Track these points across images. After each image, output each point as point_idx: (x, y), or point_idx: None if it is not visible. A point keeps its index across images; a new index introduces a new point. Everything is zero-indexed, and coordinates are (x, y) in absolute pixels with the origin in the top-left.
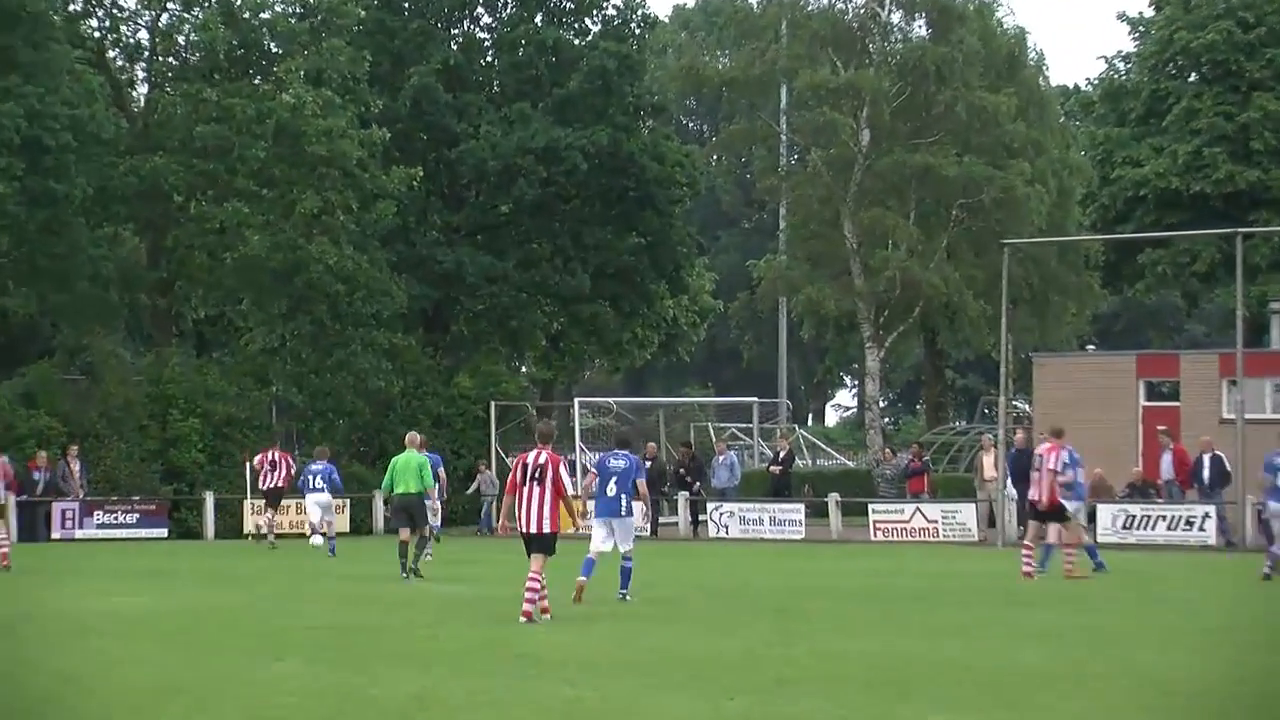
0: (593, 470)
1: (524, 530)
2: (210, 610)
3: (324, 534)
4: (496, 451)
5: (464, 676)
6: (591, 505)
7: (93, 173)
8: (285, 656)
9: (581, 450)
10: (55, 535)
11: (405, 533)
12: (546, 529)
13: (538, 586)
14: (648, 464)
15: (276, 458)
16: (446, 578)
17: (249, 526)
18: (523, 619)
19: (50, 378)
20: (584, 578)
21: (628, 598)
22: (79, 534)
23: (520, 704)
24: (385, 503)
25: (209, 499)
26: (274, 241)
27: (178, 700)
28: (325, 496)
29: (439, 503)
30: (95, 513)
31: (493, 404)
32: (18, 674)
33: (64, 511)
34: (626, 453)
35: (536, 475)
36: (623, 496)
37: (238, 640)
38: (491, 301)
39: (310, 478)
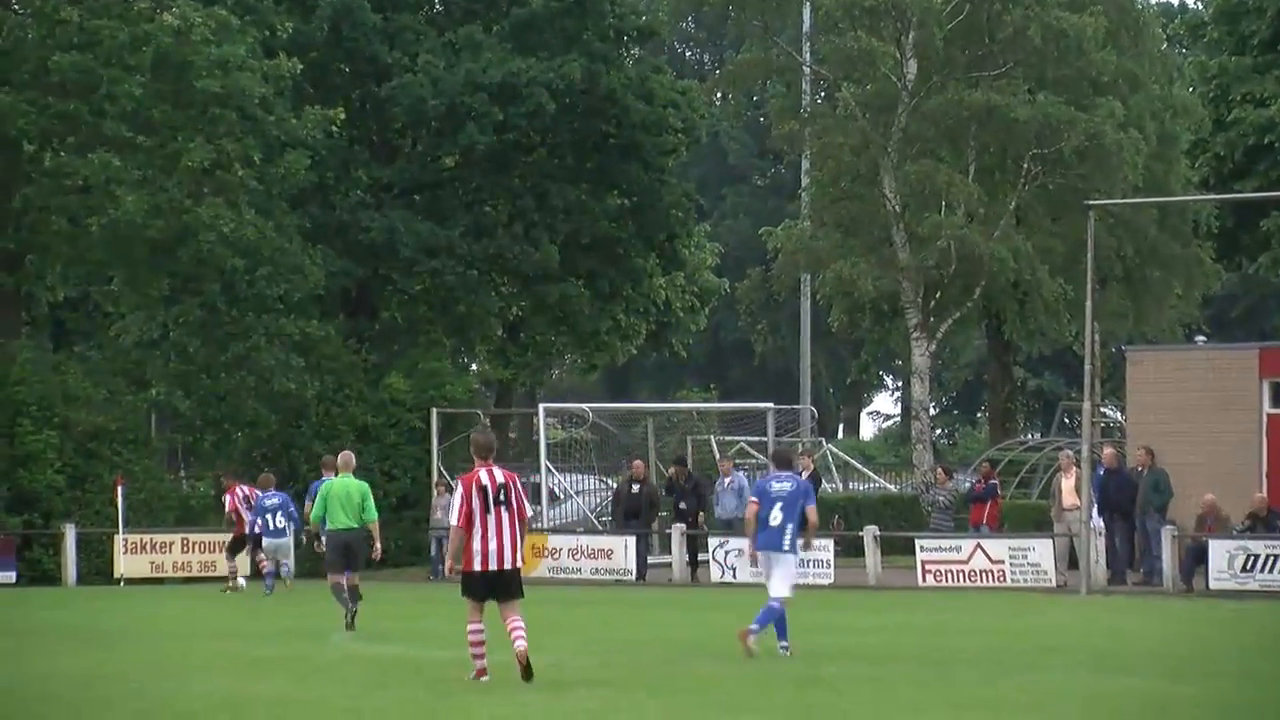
0: (753, 498)
1: (485, 567)
2: (69, 678)
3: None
4: (439, 471)
5: None
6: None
7: None
8: None
9: (549, 470)
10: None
11: (344, 577)
12: (518, 563)
13: (523, 632)
14: (634, 488)
15: (247, 493)
16: (378, 635)
17: (121, 568)
18: (484, 678)
19: None
20: (758, 625)
21: (789, 651)
22: None
23: None
24: (313, 538)
25: (70, 533)
26: (153, 203)
27: None
28: (286, 540)
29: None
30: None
31: (434, 411)
32: None
33: None
34: (791, 473)
35: (500, 498)
36: (788, 527)
37: (100, 717)
38: (432, 280)
39: (268, 516)
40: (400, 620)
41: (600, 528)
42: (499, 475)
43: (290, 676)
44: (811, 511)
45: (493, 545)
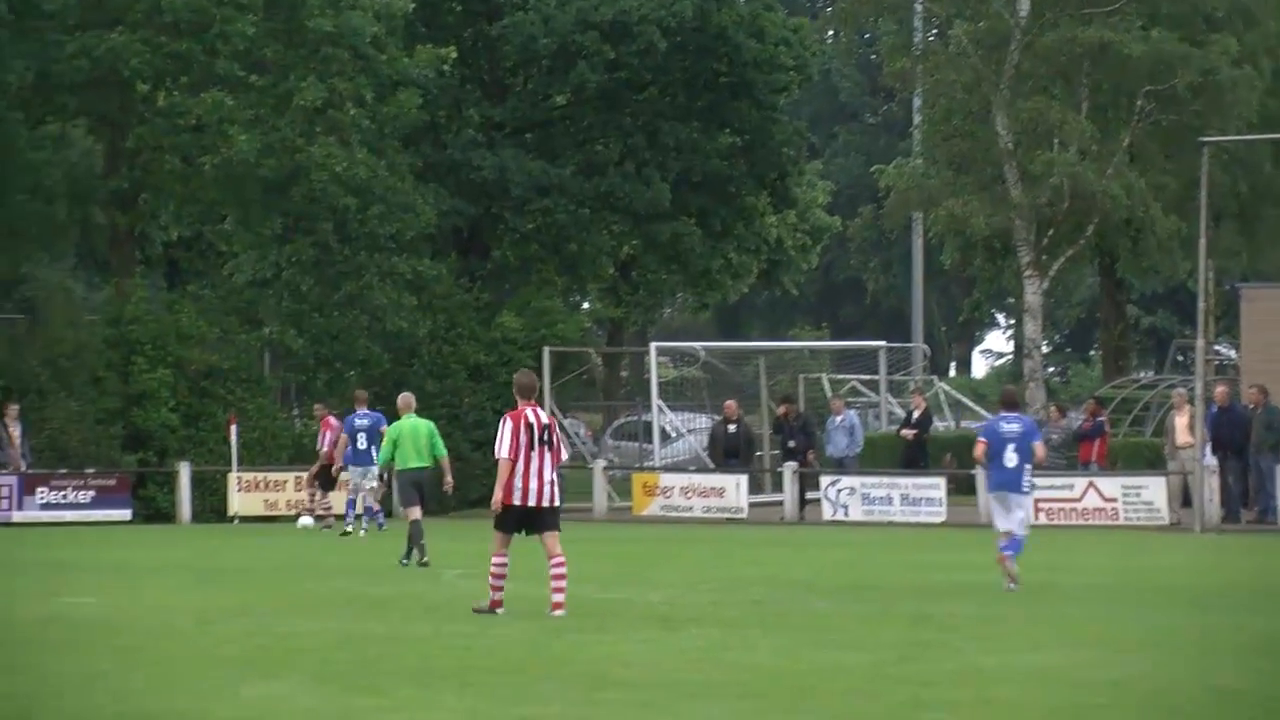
0: (982, 438)
1: (525, 503)
2: (185, 614)
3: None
4: (551, 410)
5: (509, 699)
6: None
7: (32, 54)
8: (280, 673)
9: (660, 409)
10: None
11: (415, 511)
12: (556, 501)
13: (564, 570)
14: (730, 428)
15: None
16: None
17: (235, 506)
18: (499, 610)
19: None
20: (1011, 552)
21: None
22: (17, 516)
23: None
24: (380, 478)
25: (184, 472)
26: (265, 142)
27: None
28: (372, 469)
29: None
30: (39, 490)
31: (546, 350)
32: None
33: None
34: (1018, 414)
35: (544, 438)
36: (1025, 468)
37: (220, 653)
38: (544, 219)
39: (358, 437)
40: (512, 558)
41: (711, 466)
42: (543, 416)
43: (405, 613)
44: (1039, 448)
45: (534, 484)
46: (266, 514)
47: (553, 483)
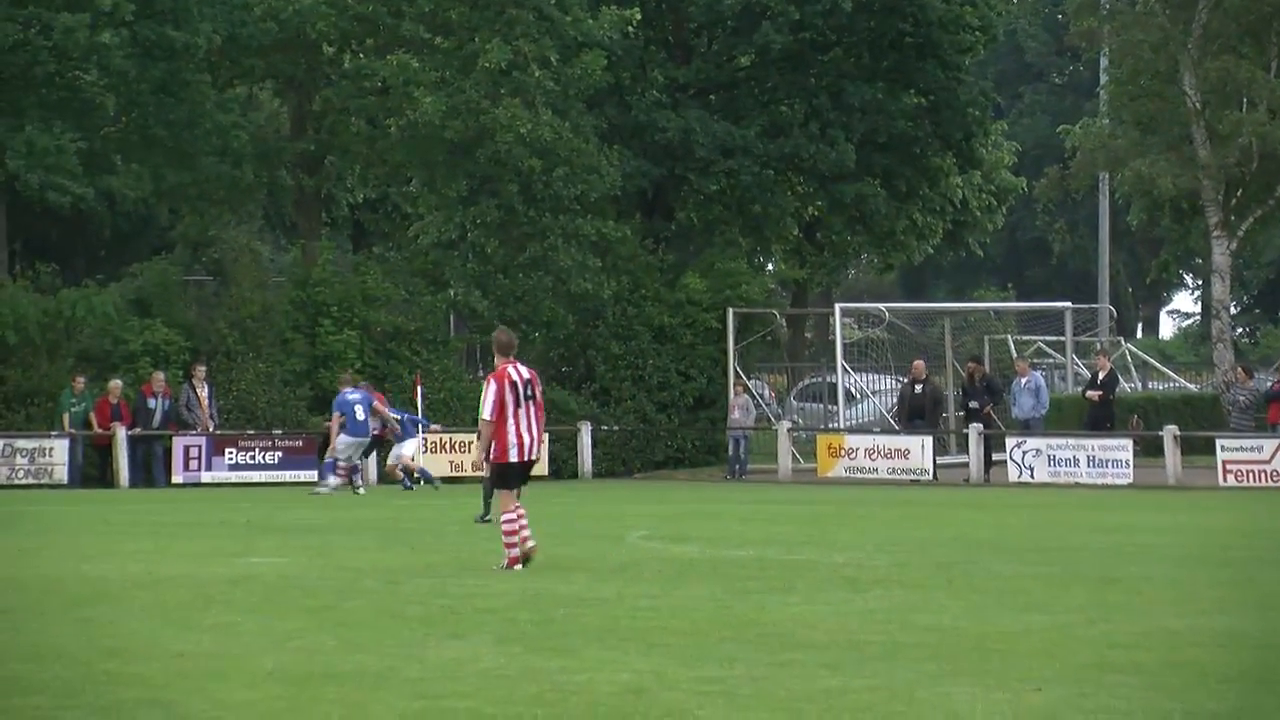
0: None
1: (523, 457)
2: (370, 574)
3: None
4: (736, 371)
5: (694, 661)
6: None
7: (220, 17)
8: (466, 634)
9: (845, 370)
10: (177, 478)
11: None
12: (540, 454)
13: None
14: (917, 388)
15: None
16: (674, 534)
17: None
18: (517, 566)
19: (169, 279)
20: None
21: None
22: (206, 477)
23: (765, 695)
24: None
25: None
26: (450, 104)
27: (330, 688)
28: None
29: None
30: (227, 450)
31: (731, 311)
32: (131, 649)
33: (188, 449)
34: None
35: (529, 393)
36: None
37: (406, 613)
38: (728, 180)
39: (356, 409)
40: (697, 520)
41: (896, 427)
42: (524, 372)
43: (589, 575)
44: None
45: (527, 438)
46: (452, 474)
47: (541, 434)
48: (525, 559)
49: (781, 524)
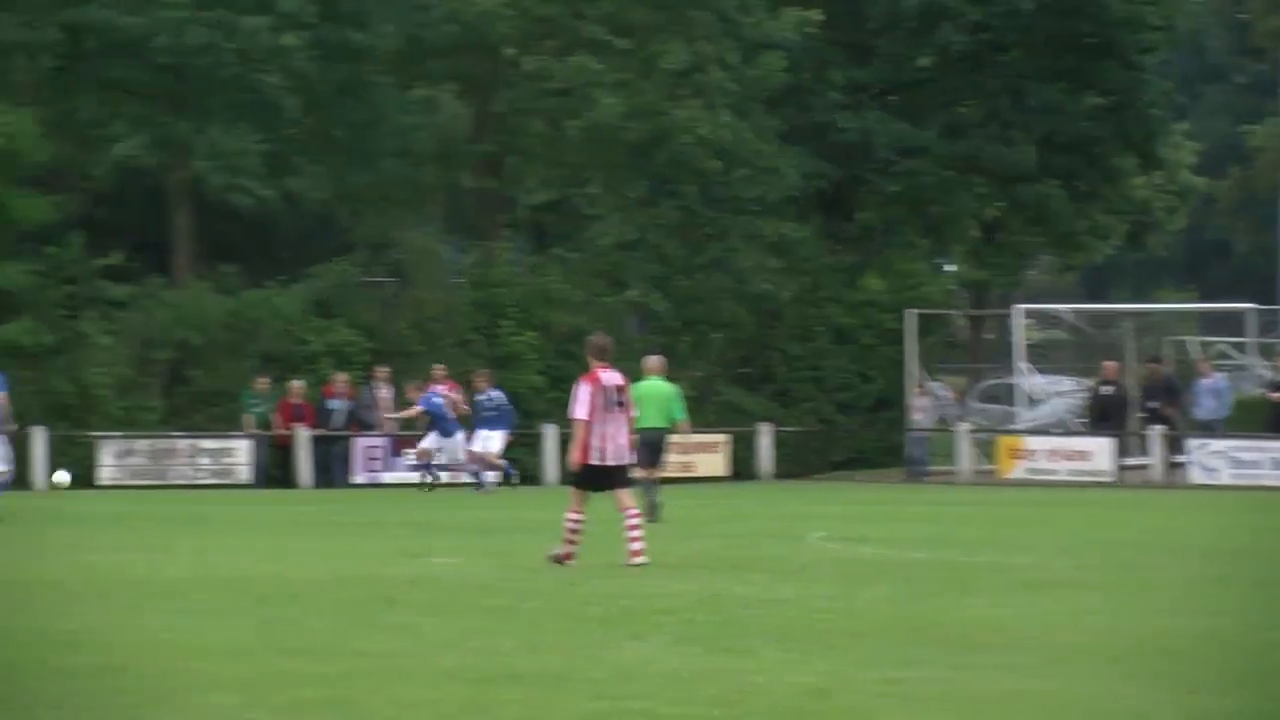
0: None
1: (604, 461)
2: (549, 575)
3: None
4: (915, 373)
5: (874, 662)
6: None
7: (402, 19)
8: (645, 634)
9: (1029, 369)
10: (358, 479)
11: (649, 471)
12: (629, 459)
13: (638, 520)
14: (1106, 390)
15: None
16: (854, 535)
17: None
18: (570, 562)
19: (350, 281)
20: None
21: None
22: (387, 477)
23: (946, 698)
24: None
25: (549, 434)
26: (631, 106)
27: (509, 688)
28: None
29: None
30: (406, 451)
31: (910, 312)
32: (312, 648)
33: (368, 449)
34: None
35: (618, 399)
36: None
37: (585, 613)
38: (908, 181)
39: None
40: (876, 521)
41: (1078, 429)
42: (616, 378)
43: (769, 576)
44: None
45: (610, 444)
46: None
47: (625, 442)
48: (563, 558)
49: (961, 526)
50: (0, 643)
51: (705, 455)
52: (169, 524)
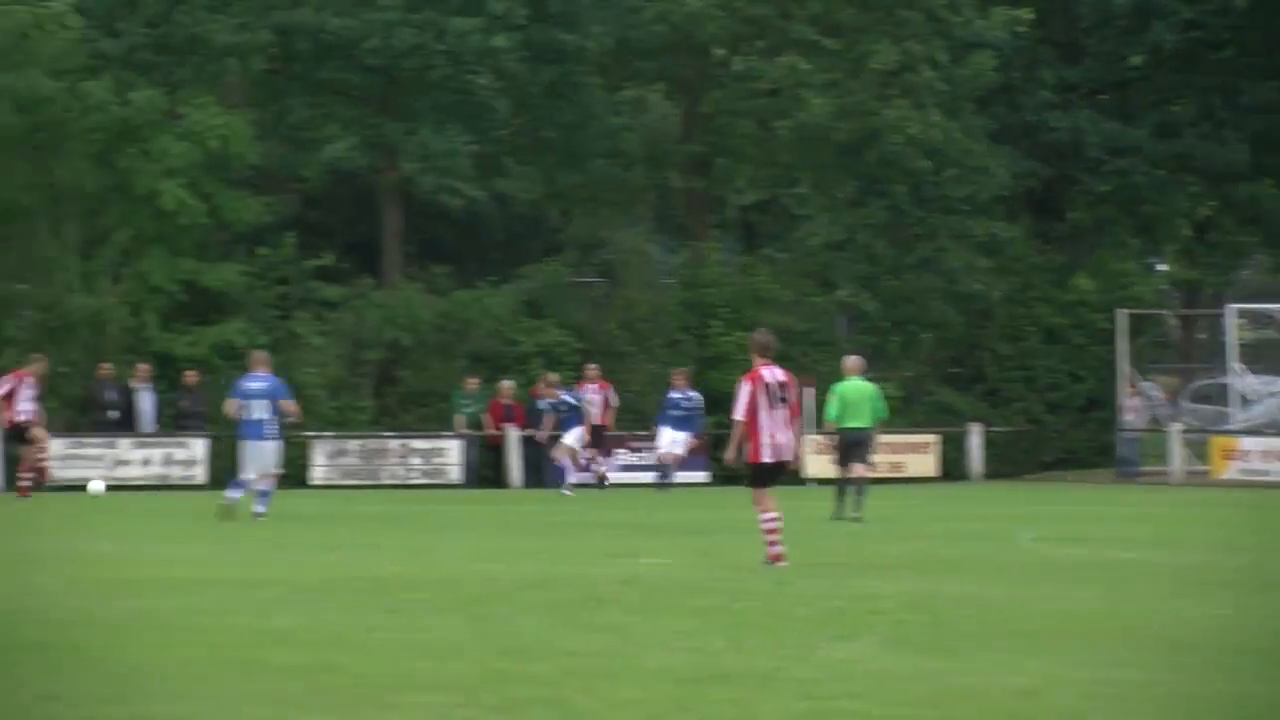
0: None
1: (773, 458)
2: (758, 575)
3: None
4: (1126, 373)
5: (1085, 663)
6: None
7: (611, 20)
8: (855, 635)
9: (1242, 369)
10: (570, 479)
11: (856, 469)
12: (793, 456)
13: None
14: None
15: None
16: (1065, 536)
17: (810, 469)
18: (782, 563)
19: (560, 281)
20: None
21: None
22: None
23: (1159, 699)
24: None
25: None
26: (840, 106)
27: (719, 688)
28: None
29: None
30: (616, 451)
31: (1121, 312)
32: (524, 648)
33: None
34: None
35: (782, 396)
36: None
37: (794, 613)
38: (1119, 180)
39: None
40: (1087, 521)
41: None
42: (779, 374)
43: (979, 576)
44: None
45: (780, 439)
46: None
47: (789, 438)
48: (774, 560)
49: (1173, 526)
50: (214, 640)
51: (915, 456)
52: (380, 524)
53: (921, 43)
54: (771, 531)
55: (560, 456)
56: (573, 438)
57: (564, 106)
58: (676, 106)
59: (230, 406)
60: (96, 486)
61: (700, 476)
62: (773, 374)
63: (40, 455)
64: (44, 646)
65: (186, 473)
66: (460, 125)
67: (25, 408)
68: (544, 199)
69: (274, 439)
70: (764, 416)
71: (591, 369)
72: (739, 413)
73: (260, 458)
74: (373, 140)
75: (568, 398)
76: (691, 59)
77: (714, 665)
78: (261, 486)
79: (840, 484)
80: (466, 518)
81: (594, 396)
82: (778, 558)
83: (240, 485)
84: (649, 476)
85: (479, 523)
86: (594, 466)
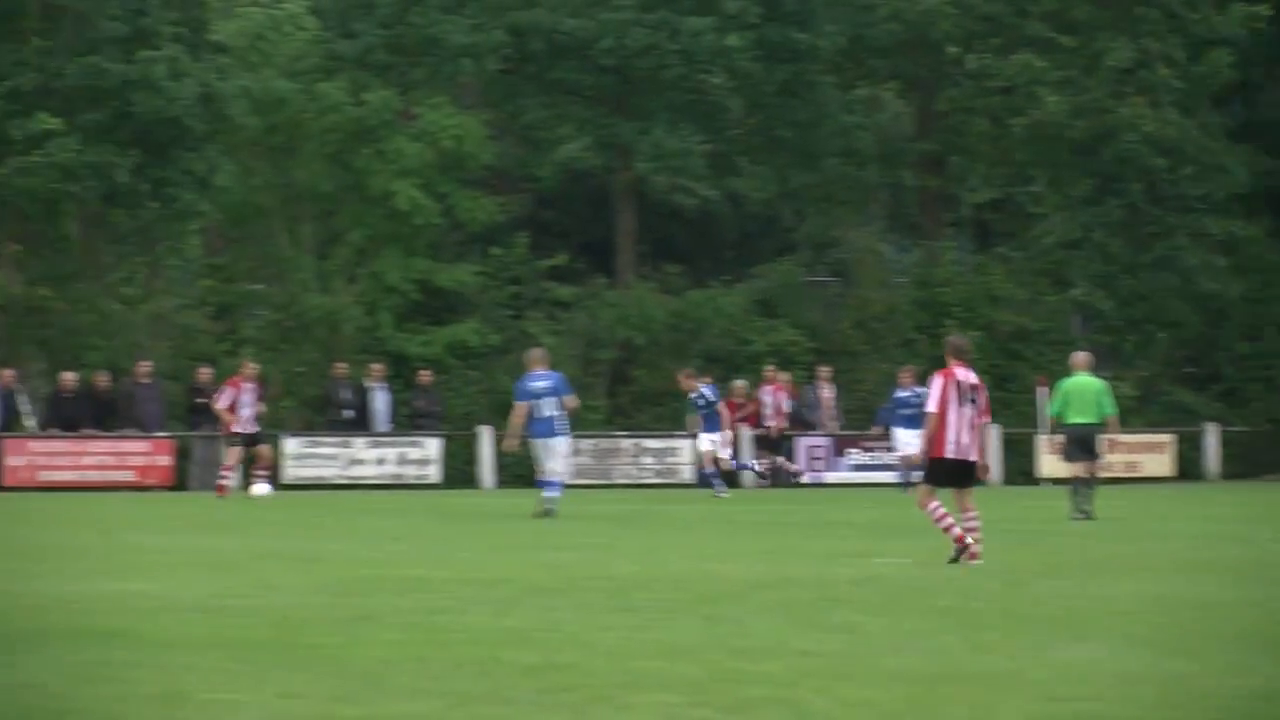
0: None
1: (955, 455)
2: (995, 575)
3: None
4: None
5: None
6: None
7: (845, 18)
8: (1091, 636)
9: None
10: (802, 478)
11: (1079, 467)
12: (977, 457)
13: (979, 522)
14: None
15: None
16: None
17: (1044, 469)
18: (978, 561)
19: (794, 280)
20: None
21: None
22: (829, 477)
23: None
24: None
25: (993, 434)
26: (1075, 104)
27: (954, 688)
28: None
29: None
30: (849, 451)
31: None
32: (757, 648)
33: (811, 449)
34: None
35: (971, 397)
36: None
37: (1028, 613)
38: None
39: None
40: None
41: None
42: (972, 377)
43: (1218, 578)
44: None
45: (964, 438)
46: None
47: (977, 439)
48: (961, 552)
49: None
50: (449, 639)
51: (1151, 455)
52: (613, 523)
53: (1158, 40)
54: (944, 516)
55: (706, 465)
56: (707, 442)
57: (797, 105)
58: (910, 105)
59: (519, 412)
60: (261, 489)
61: (915, 475)
62: (966, 375)
63: (264, 463)
64: (283, 645)
65: (420, 472)
66: (693, 125)
67: (246, 414)
68: (777, 198)
69: (564, 435)
70: (952, 414)
71: (769, 370)
72: (931, 404)
73: (553, 454)
74: (606, 140)
75: (706, 391)
76: (925, 57)
77: (950, 665)
78: (553, 481)
79: (1074, 483)
80: (698, 517)
81: (768, 399)
82: (963, 548)
83: (553, 485)
84: (879, 476)
85: (711, 522)
86: (754, 465)
